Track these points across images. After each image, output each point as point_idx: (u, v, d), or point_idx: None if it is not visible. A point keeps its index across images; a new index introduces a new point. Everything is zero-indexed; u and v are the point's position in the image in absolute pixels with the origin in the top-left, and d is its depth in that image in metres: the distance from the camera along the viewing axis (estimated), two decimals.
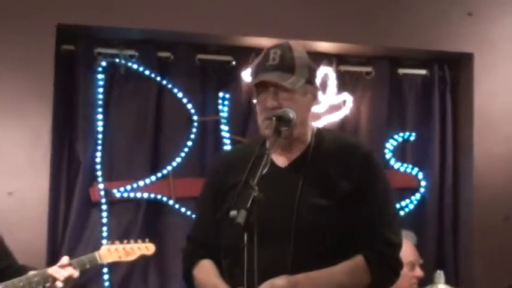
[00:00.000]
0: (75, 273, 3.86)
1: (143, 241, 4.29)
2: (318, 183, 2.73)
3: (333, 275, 2.67)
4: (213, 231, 2.83)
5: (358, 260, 2.70)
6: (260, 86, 2.77)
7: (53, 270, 3.81)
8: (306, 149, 2.82)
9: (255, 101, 2.83)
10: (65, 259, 3.89)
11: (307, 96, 2.81)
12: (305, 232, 2.66)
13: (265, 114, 2.76)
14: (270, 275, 2.58)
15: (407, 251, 4.26)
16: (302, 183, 2.72)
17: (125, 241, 4.25)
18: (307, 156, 2.79)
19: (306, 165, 2.77)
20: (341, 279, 2.68)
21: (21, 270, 3.84)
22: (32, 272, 3.83)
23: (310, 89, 2.83)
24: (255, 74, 2.81)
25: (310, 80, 2.83)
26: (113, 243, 4.22)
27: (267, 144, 2.80)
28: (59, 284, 3.79)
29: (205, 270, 2.84)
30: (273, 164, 2.70)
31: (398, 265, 2.78)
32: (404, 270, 4.17)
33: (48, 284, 3.79)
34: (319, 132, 2.88)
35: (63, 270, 3.82)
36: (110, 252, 4.15)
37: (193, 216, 5.21)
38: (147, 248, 4.28)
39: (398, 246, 2.78)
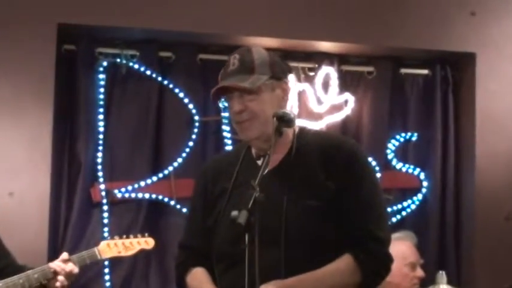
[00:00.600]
0: (75, 269, 3.84)
1: (143, 236, 4.26)
2: (304, 184, 2.72)
3: (324, 276, 2.66)
4: (205, 239, 2.82)
5: (348, 258, 2.69)
6: (226, 93, 2.79)
7: (54, 265, 3.80)
8: (289, 149, 2.80)
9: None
10: (64, 255, 3.87)
11: (275, 92, 2.79)
12: (295, 234, 2.65)
13: (235, 119, 2.78)
14: (264, 278, 2.56)
15: (408, 252, 4.26)
16: (289, 185, 2.71)
17: (124, 236, 4.22)
18: (291, 157, 2.78)
19: (291, 166, 2.76)
20: (332, 280, 2.67)
21: (20, 270, 3.83)
22: (31, 270, 3.83)
23: (279, 84, 2.81)
24: (219, 83, 2.82)
25: (277, 76, 2.81)
26: (112, 238, 4.21)
27: (253, 148, 2.83)
28: (60, 278, 3.78)
29: (198, 277, 2.83)
30: (258, 167, 2.69)
31: (388, 260, 2.76)
32: (406, 271, 4.20)
33: (48, 280, 3.78)
34: (302, 132, 2.87)
35: (63, 265, 3.81)
36: (110, 247, 4.13)
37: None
38: (147, 243, 4.25)
39: (386, 241, 2.76)
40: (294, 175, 2.74)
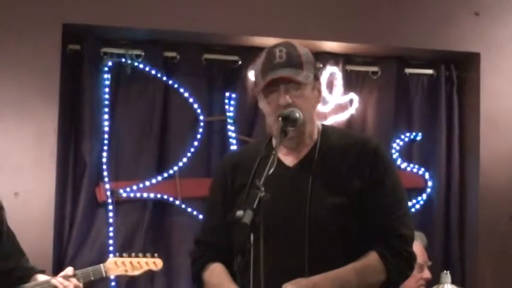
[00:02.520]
0: (80, 285, 3.82)
1: (152, 256, 4.20)
2: (328, 181, 2.72)
3: (350, 274, 2.66)
4: (223, 234, 2.80)
5: (373, 256, 2.69)
6: (270, 86, 2.74)
7: (57, 282, 3.76)
8: (313, 146, 2.80)
9: (260, 103, 2.80)
10: (69, 270, 3.85)
11: (314, 93, 2.80)
12: (319, 231, 2.65)
13: (278, 113, 2.71)
14: (287, 276, 2.57)
15: (417, 253, 4.26)
16: (312, 181, 2.70)
17: (133, 254, 4.17)
18: (314, 154, 2.78)
19: (314, 163, 2.76)
20: (358, 278, 2.66)
21: (27, 275, 3.81)
22: (38, 278, 3.80)
23: (317, 85, 2.83)
24: (262, 75, 2.75)
25: (316, 77, 2.82)
26: (120, 255, 4.15)
27: (273, 143, 2.79)
28: None
29: (216, 273, 2.81)
30: (281, 164, 2.69)
31: (412, 258, 2.77)
32: (414, 272, 4.20)
33: None
34: (325, 130, 2.87)
35: (67, 281, 3.78)
36: (117, 265, 4.09)
37: (201, 217, 5.20)
38: (155, 264, 4.19)
39: (410, 239, 2.77)
40: (317, 172, 2.73)
